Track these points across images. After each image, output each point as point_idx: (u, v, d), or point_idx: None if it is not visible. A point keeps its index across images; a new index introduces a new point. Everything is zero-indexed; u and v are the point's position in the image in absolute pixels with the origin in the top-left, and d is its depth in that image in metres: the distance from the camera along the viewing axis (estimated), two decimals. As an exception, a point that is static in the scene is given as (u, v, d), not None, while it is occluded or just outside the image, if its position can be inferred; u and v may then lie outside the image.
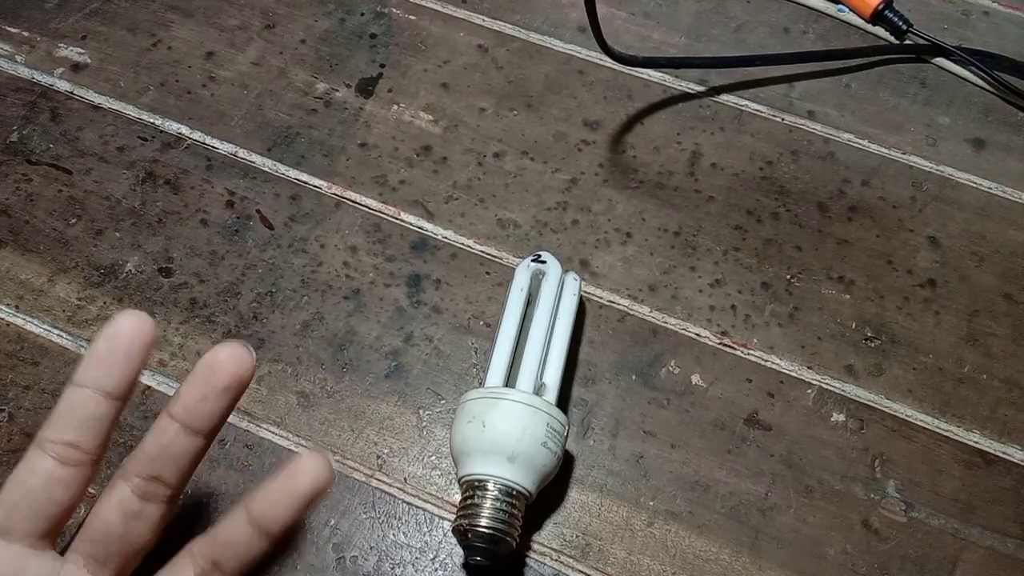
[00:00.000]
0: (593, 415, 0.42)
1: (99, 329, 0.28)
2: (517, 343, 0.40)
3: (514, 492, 0.35)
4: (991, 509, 0.40)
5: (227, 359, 0.28)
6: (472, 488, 0.35)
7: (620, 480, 0.40)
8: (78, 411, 0.27)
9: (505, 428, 0.35)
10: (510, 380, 0.39)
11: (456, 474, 0.37)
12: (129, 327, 0.28)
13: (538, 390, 0.38)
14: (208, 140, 0.50)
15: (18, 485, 0.28)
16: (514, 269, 0.43)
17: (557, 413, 0.37)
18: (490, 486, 0.35)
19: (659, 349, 0.44)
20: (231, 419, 0.41)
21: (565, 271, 0.43)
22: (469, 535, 0.35)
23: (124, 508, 0.28)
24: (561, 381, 0.39)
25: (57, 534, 0.28)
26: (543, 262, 0.42)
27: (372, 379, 0.42)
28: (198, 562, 0.28)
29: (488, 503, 0.35)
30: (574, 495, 0.40)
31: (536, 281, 0.42)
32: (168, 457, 0.28)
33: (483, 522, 0.34)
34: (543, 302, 0.41)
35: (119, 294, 0.44)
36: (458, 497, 0.36)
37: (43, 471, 0.27)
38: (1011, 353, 0.44)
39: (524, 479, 0.35)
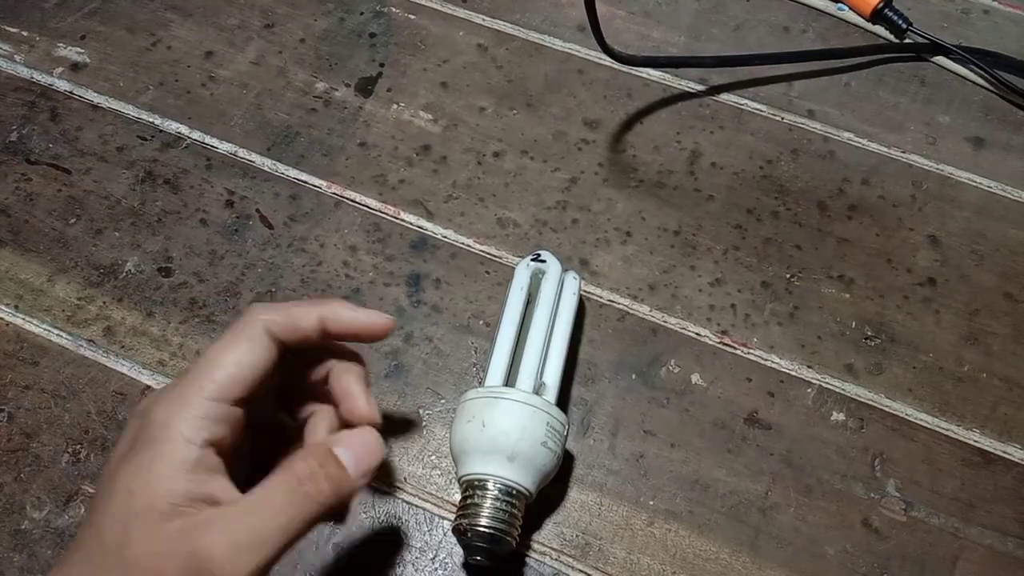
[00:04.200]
0: (593, 414, 0.42)
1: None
2: (517, 342, 0.40)
3: (514, 491, 0.35)
4: (991, 508, 0.40)
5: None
6: (472, 487, 0.35)
7: (620, 479, 0.40)
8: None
9: (505, 427, 0.35)
10: (510, 379, 0.39)
11: (456, 473, 0.37)
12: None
13: (538, 389, 0.38)
14: (207, 140, 0.50)
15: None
16: (514, 268, 0.43)
17: (557, 412, 0.37)
18: (490, 485, 0.35)
19: (659, 348, 0.44)
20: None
21: (565, 270, 0.43)
22: (469, 534, 0.35)
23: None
24: (561, 380, 0.39)
25: None
26: (543, 261, 0.42)
27: (372, 379, 0.42)
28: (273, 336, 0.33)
29: (488, 502, 0.35)
30: (574, 494, 0.40)
31: (536, 280, 0.42)
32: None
33: (483, 521, 0.34)
34: (543, 301, 0.41)
35: (119, 294, 0.44)
36: (458, 496, 0.36)
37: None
38: (1011, 352, 0.44)
39: (524, 478, 0.35)
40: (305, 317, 0.33)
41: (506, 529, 0.35)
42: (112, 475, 0.29)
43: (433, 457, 0.40)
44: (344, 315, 0.34)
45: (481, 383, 0.39)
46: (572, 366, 0.43)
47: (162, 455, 0.29)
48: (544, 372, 0.39)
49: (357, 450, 0.31)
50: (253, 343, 0.31)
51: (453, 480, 0.40)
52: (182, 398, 0.30)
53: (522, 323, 0.41)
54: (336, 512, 0.31)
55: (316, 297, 0.43)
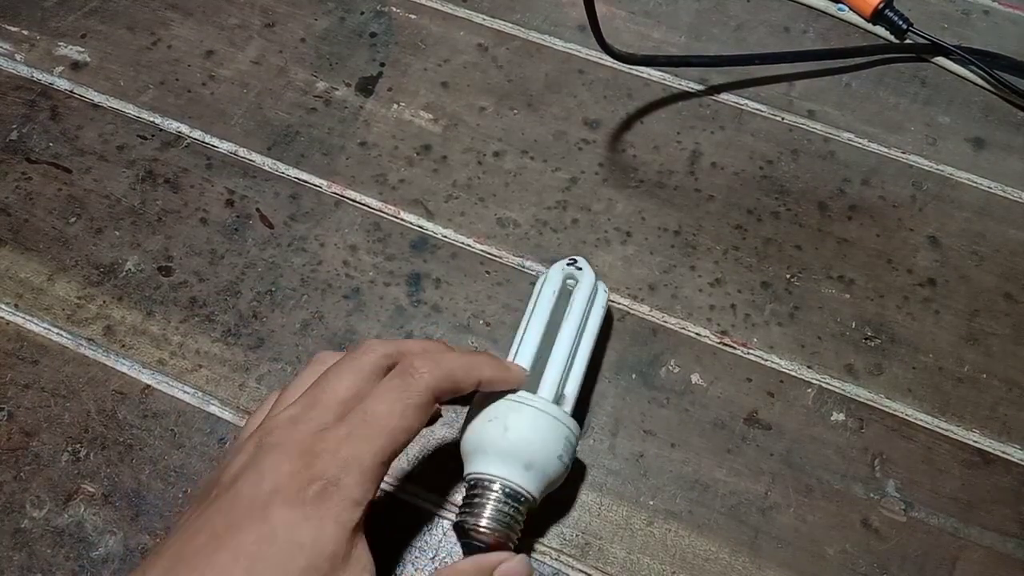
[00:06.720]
0: (593, 414, 0.42)
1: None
2: (540, 347, 0.39)
3: (521, 497, 0.35)
4: (991, 509, 0.40)
5: None
6: (480, 486, 0.35)
7: (620, 479, 0.40)
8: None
9: (528, 436, 0.35)
10: (529, 384, 0.38)
11: (464, 468, 0.37)
12: None
13: (558, 400, 0.38)
14: (208, 139, 0.50)
15: None
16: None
17: (574, 426, 0.36)
18: (497, 487, 0.35)
19: (659, 348, 0.44)
20: (230, 419, 0.41)
21: (596, 278, 0.42)
22: (469, 532, 0.35)
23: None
24: (579, 393, 0.39)
25: None
26: (579, 268, 0.41)
27: (372, 378, 0.42)
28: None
29: (492, 503, 0.35)
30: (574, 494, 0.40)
31: (565, 285, 0.41)
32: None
33: (484, 522, 0.34)
34: (573, 312, 0.40)
35: (119, 293, 0.44)
36: (458, 496, 0.36)
37: None
38: (1011, 353, 0.44)
39: (533, 486, 0.35)
40: (466, 381, 0.34)
41: (507, 532, 0.35)
42: (263, 509, 0.29)
43: (434, 457, 0.40)
44: (497, 380, 0.36)
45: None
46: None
47: (331, 515, 0.30)
48: (566, 383, 0.38)
49: None
50: (421, 410, 0.32)
51: (454, 479, 0.40)
52: (356, 459, 0.31)
53: (548, 328, 0.40)
54: None
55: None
